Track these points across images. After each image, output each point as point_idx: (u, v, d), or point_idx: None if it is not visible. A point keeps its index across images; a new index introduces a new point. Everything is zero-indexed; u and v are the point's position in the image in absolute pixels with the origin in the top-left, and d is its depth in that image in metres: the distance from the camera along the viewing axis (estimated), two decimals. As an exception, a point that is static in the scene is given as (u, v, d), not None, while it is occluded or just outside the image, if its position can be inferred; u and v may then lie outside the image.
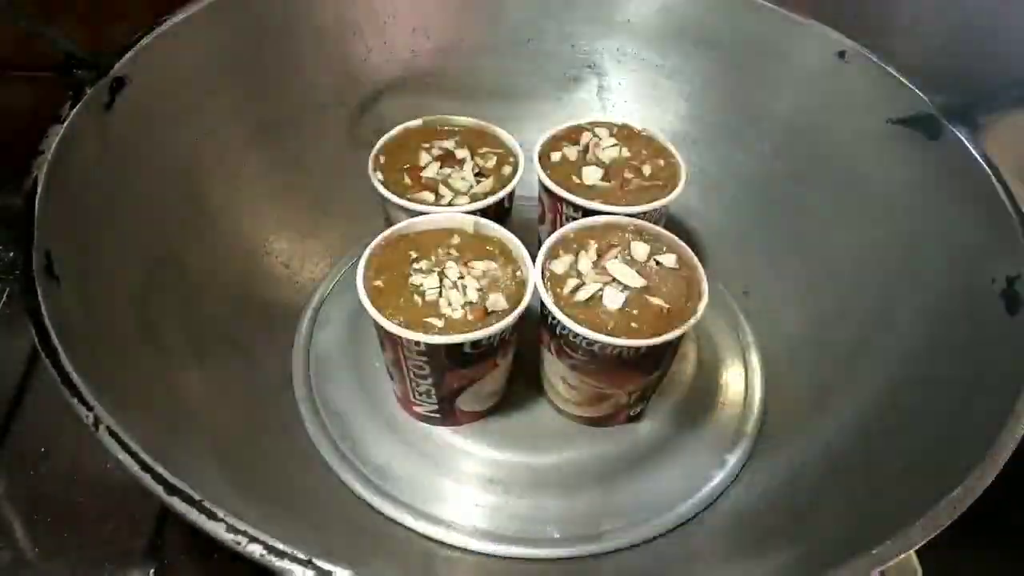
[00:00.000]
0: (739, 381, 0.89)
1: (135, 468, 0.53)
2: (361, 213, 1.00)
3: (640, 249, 0.74)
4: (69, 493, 0.87)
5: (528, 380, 0.83)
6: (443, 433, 0.81)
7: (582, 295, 0.69)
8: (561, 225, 0.84)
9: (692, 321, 0.72)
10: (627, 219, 0.75)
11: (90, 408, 0.56)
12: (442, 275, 0.69)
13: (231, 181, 0.93)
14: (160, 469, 0.53)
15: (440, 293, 0.69)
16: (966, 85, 0.89)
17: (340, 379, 0.87)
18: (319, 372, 0.88)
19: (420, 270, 0.70)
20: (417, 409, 0.80)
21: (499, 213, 0.83)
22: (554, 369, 0.79)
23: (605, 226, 0.76)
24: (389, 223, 0.82)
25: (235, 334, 0.86)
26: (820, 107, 0.96)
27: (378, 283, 0.72)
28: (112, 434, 0.55)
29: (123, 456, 0.53)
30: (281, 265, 0.92)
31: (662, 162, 0.87)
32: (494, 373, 0.76)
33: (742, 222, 0.98)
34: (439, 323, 0.67)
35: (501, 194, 0.81)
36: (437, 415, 0.80)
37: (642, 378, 0.77)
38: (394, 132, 0.88)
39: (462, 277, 0.70)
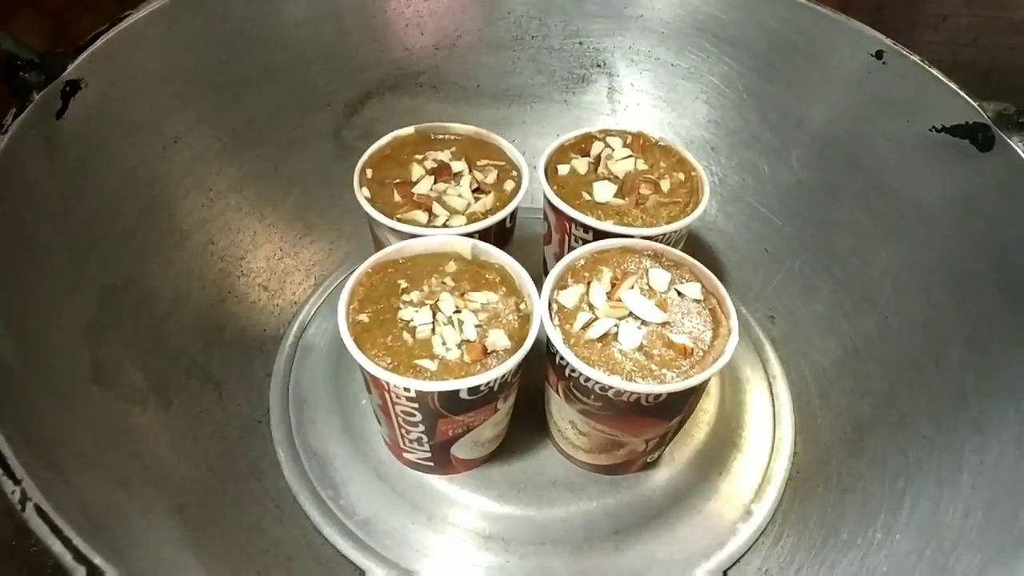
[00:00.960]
0: (766, 419, 0.83)
1: (67, 559, 0.44)
2: (348, 227, 0.92)
3: (659, 277, 0.68)
4: None
5: (532, 421, 0.75)
6: (437, 482, 0.73)
7: (595, 332, 0.63)
8: (569, 246, 0.76)
9: (720, 363, 0.63)
10: (644, 242, 0.70)
11: (17, 481, 0.47)
12: (435, 309, 0.63)
13: (202, 194, 0.85)
14: (98, 561, 0.44)
15: (433, 330, 0.63)
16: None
17: (323, 417, 0.79)
18: (299, 408, 0.80)
19: (410, 303, 0.64)
20: (407, 456, 0.72)
21: (500, 234, 0.74)
22: (562, 413, 0.70)
23: (620, 250, 0.70)
24: (378, 244, 0.73)
25: (205, 368, 0.78)
26: (855, 113, 0.87)
27: (362, 318, 0.63)
28: (41, 514, 0.46)
29: (55, 545, 0.44)
30: (259, 287, 0.86)
31: (682, 176, 0.79)
32: (494, 418, 0.68)
33: (767, 239, 0.92)
34: (431, 366, 0.60)
35: (502, 214, 0.72)
36: (430, 463, 0.71)
37: (662, 425, 0.69)
38: (383, 142, 0.79)
39: (458, 311, 0.64)
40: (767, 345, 0.86)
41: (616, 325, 0.63)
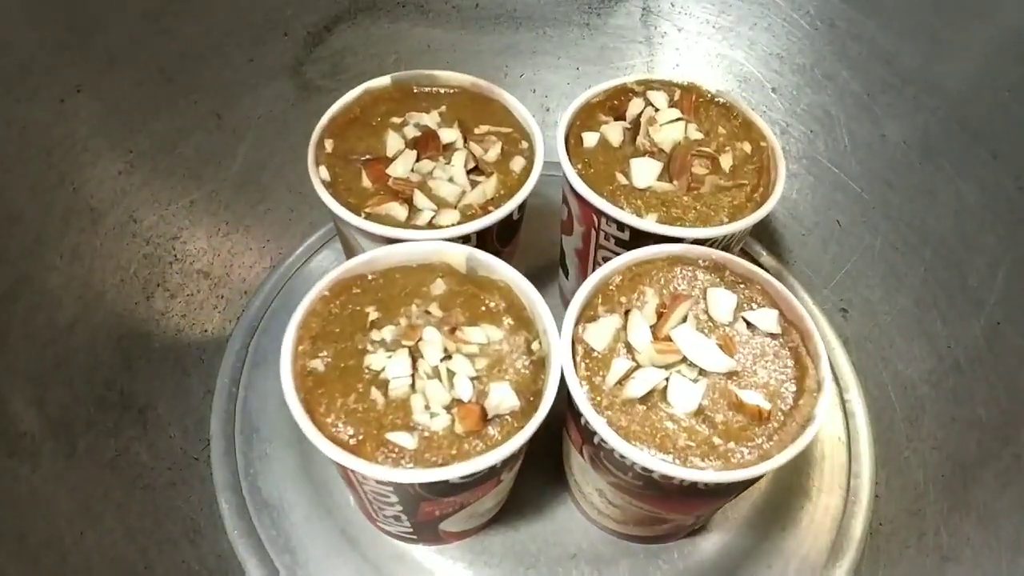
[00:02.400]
0: (838, 451, 0.69)
1: None
2: (313, 190, 0.72)
3: (722, 302, 0.53)
4: None
5: (546, 471, 0.62)
6: (422, 553, 0.56)
7: (636, 389, 0.49)
8: (597, 244, 0.58)
9: (808, 434, 0.48)
10: (700, 249, 0.55)
11: None
12: (416, 353, 0.50)
13: (118, 158, 0.68)
14: None
15: (412, 385, 0.49)
16: None
17: (279, 450, 0.65)
18: (249, 440, 0.64)
19: (382, 343, 0.50)
20: (383, 527, 0.54)
21: (505, 231, 0.56)
22: (587, 478, 0.53)
23: (668, 261, 0.56)
24: (346, 246, 0.55)
25: (125, 391, 0.63)
26: (967, 50, 0.69)
27: (315, 365, 0.48)
28: None
29: None
30: (197, 275, 0.72)
31: (748, 147, 0.60)
32: (496, 490, 0.51)
33: (841, 208, 0.77)
34: (409, 442, 0.47)
35: (508, 206, 0.54)
36: (412, 536, 0.55)
37: (721, 503, 0.51)
38: (348, 98, 0.60)
39: (447, 356, 0.50)
40: (838, 347, 0.74)
41: (666, 378, 0.49)
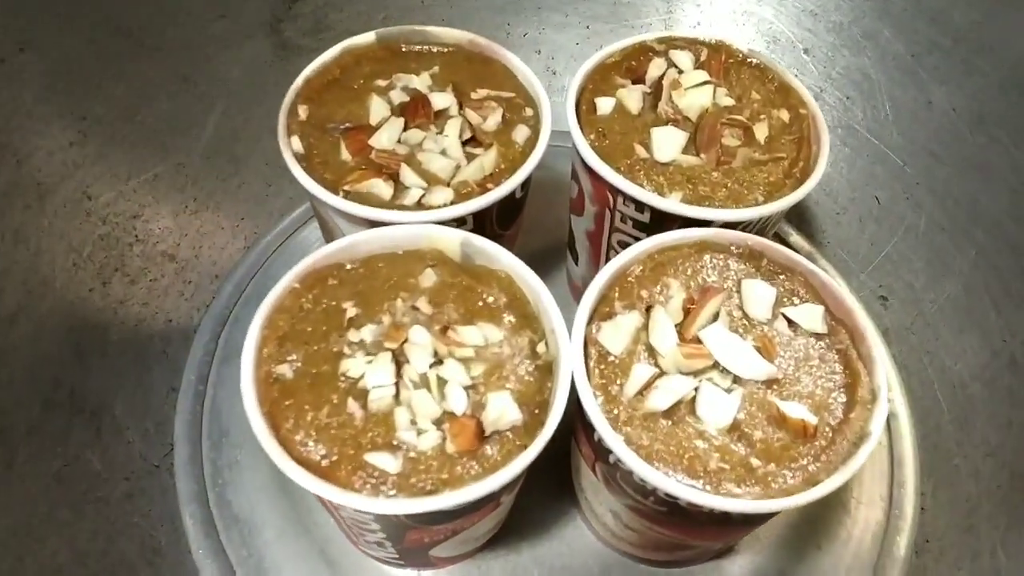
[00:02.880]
0: (880, 456, 0.63)
1: None
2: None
3: (759, 296, 0.47)
4: None
5: (553, 485, 0.56)
6: (411, 578, 0.49)
7: (659, 400, 0.43)
8: (612, 226, 0.52)
9: (862, 454, 0.42)
10: (732, 234, 0.49)
11: None
12: (400, 357, 0.44)
13: (69, 126, 0.61)
14: None
15: (397, 396, 0.43)
16: None
17: (250, 457, 0.59)
18: (218, 445, 0.59)
19: (361, 345, 0.45)
20: (367, 551, 0.48)
21: (506, 211, 0.49)
22: (600, 497, 0.47)
23: (696, 247, 0.49)
24: (325, 229, 0.48)
25: (76, 391, 0.57)
26: None
27: (282, 370, 0.44)
28: None
29: None
30: (162, 258, 0.66)
31: (786, 114, 0.54)
32: (494, 513, 0.44)
33: (881, 183, 0.71)
34: (392, 465, 0.40)
35: (511, 183, 0.47)
36: (399, 561, 0.48)
37: (754, 528, 0.44)
38: (326, 58, 0.53)
39: (438, 361, 0.44)
40: (878, 341, 0.62)
41: (695, 388, 0.43)
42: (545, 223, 0.67)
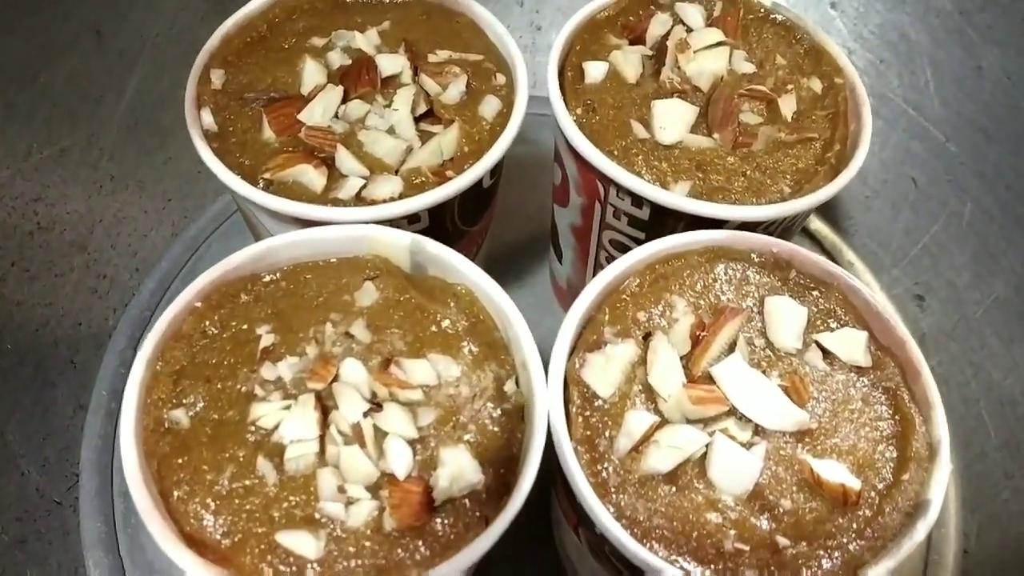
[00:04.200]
0: None
1: None
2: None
3: (787, 318, 0.39)
4: None
5: (531, 536, 0.44)
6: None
7: (660, 459, 0.35)
8: (603, 222, 0.48)
9: (920, 531, 0.34)
10: (752, 238, 0.41)
11: None
12: (326, 402, 0.36)
13: None
14: None
15: (321, 451, 0.34)
16: None
17: None
18: None
19: (277, 385, 0.37)
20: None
21: (472, 203, 0.41)
22: (585, 564, 0.43)
23: (705, 255, 0.41)
24: (250, 226, 0.39)
25: None
26: None
27: (177, 416, 0.36)
28: None
29: None
30: (69, 248, 0.58)
31: (818, 83, 0.47)
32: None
33: (918, 162, 0.65)
34: (312, 546, 0.32)
35: (476, 170, 0.39)
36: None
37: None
38: (250, 9, 0.44)
39: (376, 406, 0.35)
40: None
41: (706, 443, 0.36)
42: (525, 208, 0.59)
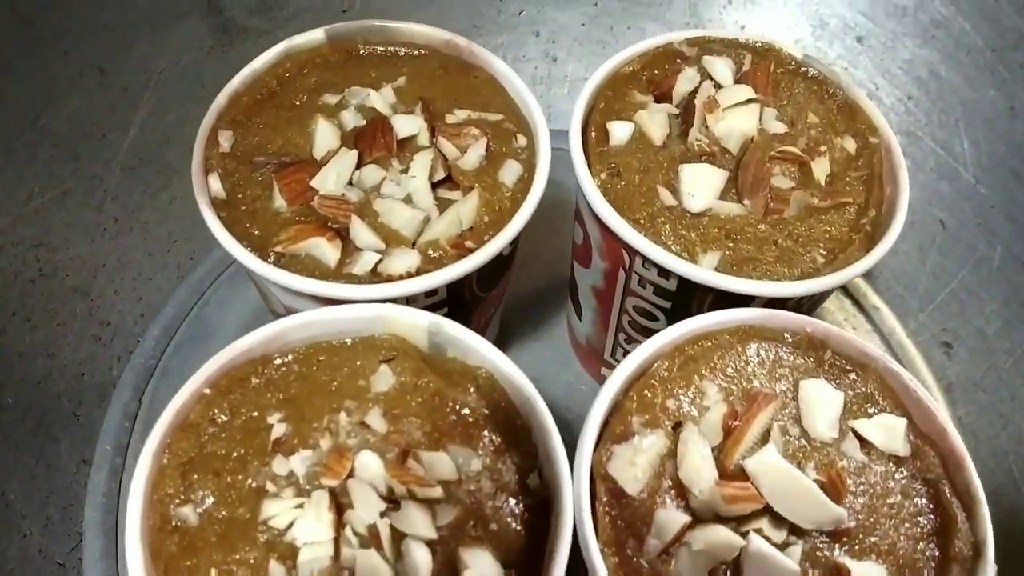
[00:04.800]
0: None
1: None
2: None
3: (822, 404, 0.37)
4: None
5: None
6: None
7: (689, 567, 0.33)
8: (627, 288, 0.45)
9: None
10: (786, 316, 0.39)
11: None
12: (341, 500, 0.33)
13: None
14: None
15: (335, 555, 0.32)
16: None
17: None
18: None
19: (289, 479, 0.34)
20: None
21: (490, 274, 0.38)
22: None
23: (738, 335, 0.39)
24: (262, 295, 0.38)
25: None
26: None
27: (185, 514, 0.34)
28: None
29: None
30: (71, 295, 0.56)
31: (851, 143, 0.43)
32: None
33: (946, 203, 0.63)
34: None
35: (497, 243, 0.37)
36: None
37: None
38: (260, 64, 0.42)
39: (393, 505, 0.33)
40: (939, 397, 0.60)
41: (741, 548, 0.34)
42: (543, 254, 0.57)
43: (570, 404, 0.52)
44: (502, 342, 0.55)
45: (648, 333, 0.45)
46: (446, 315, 0.41)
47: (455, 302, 0.40)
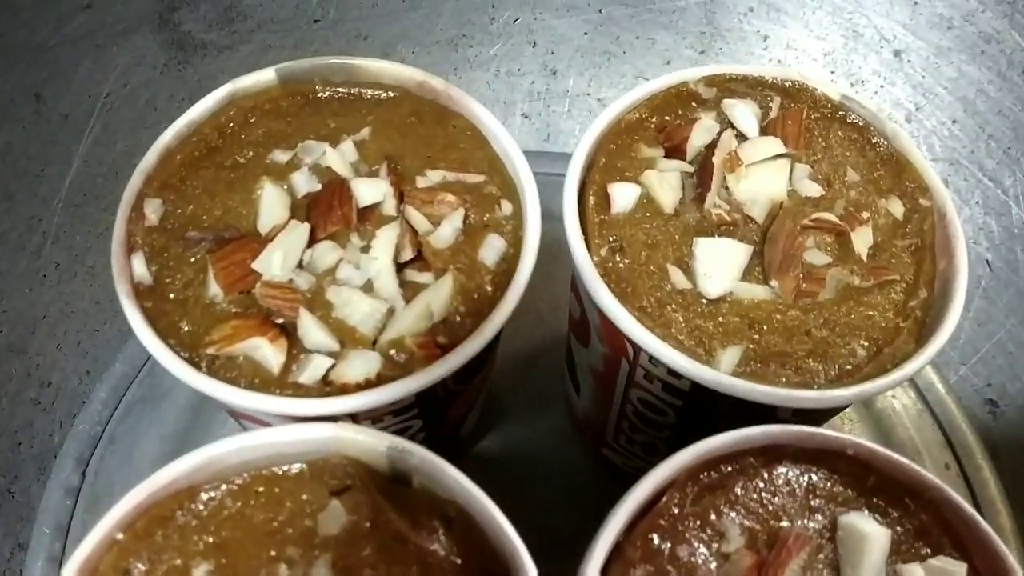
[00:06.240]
0: None
1: None
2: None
3: (866, 546, 0.30)
4: None
5: None
6: None
7: None
8: (631, 380, 0.38)
9: None
10: (820, 434, 0.31)
11: None
12: None
13: None
14: None
15: None
16: None
17: None
18: None
19: None
20: None
21: (468, 368, 0.33)
22: None
23: (764, 457, 0.32)
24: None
25: None
26: None
27: None
28: None
29: None
30: (7, 354, 0.52)
31: (898, 205, 0.35)
32: None
33: (994, 243, 0.57)
34: None
35: (476, 342, 0.29)
36: None
37: None
38: (197, 113, 0.34)
39: None
40: (981, 461, 0.52)
41: None
42: (535, 306, 0.50)
43: (569, 487, 0.46)
44: (490, 413, 0.48)
45: (656, 426, 0.38)
46: (416, 417, 0.35)
47: (426, 403, 0.34)
